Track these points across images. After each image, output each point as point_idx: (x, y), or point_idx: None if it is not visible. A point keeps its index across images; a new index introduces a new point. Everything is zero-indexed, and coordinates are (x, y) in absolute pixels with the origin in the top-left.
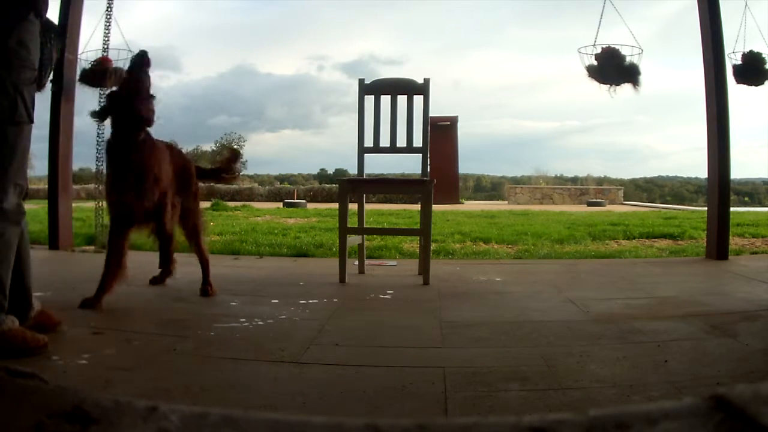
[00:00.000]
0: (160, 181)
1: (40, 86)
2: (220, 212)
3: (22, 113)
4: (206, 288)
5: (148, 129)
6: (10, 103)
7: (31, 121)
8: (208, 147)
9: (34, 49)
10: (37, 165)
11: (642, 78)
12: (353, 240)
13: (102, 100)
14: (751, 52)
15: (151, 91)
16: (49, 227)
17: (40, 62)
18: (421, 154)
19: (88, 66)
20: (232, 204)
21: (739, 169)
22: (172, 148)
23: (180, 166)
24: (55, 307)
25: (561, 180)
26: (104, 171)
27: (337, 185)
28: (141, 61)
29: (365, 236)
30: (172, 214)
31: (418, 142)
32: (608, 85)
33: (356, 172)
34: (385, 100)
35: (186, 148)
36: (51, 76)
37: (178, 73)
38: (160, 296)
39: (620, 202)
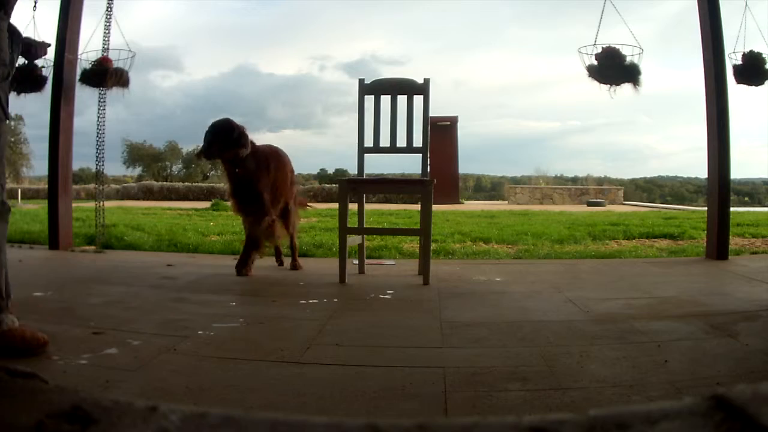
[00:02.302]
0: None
1: None
2: (220, 212)
3: None
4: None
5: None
6: None
7: (7, 118)
8: None
9: (5, 47)
10: (37, 165)
11: (642, 78)
12: (353, 240)
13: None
14: (751, 52)
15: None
16: (49, 227)
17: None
18: (421, 154)
19: (88, 66)
20: None
21: (739, 169)
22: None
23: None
24: (55, 307)
25: (561, 180)
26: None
27: (337, 185)
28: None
29: (365, 236)
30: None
31: (418, 142)
32: (608, 85)
33: (356, 172)
34: (386, 100)
35: (186, 148)
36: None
37: (180, 73)
38: (161, 296)
39: (620, 202)
